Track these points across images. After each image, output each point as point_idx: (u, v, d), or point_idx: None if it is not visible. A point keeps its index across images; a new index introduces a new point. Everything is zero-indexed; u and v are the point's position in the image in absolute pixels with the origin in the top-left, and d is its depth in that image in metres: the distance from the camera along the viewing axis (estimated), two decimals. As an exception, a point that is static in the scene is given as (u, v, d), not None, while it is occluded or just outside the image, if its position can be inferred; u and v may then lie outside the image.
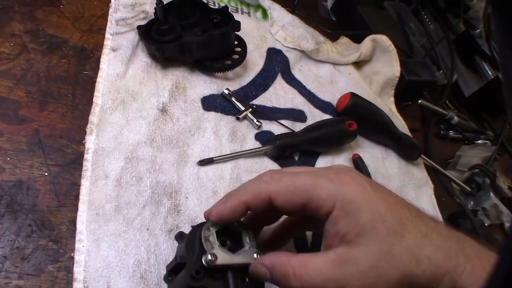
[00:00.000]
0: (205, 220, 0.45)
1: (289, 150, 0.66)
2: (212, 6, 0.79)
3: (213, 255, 0.41)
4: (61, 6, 0.65)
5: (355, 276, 0.37)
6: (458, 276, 0.37)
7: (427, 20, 1.13)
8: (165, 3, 0.66)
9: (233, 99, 0.67)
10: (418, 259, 0.37)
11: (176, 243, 0.51)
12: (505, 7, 0.19)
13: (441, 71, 1.00)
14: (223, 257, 0.42)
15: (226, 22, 0.66)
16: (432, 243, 0.39)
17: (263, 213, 0.45)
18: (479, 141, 0.98)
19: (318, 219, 0.41)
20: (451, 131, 0.96)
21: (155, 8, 0.64)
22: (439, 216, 0.76)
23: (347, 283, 0.37)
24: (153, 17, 0.67)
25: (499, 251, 0.21)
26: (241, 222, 0.47)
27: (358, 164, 0.72)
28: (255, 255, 0.43)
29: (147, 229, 0.51)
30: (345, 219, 0.39)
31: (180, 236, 0.52)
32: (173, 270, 0.47)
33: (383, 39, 0.85)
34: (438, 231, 0.40)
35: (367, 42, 0.86)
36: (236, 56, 0.69)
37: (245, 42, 0.70)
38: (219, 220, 0.43)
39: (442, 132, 0.95)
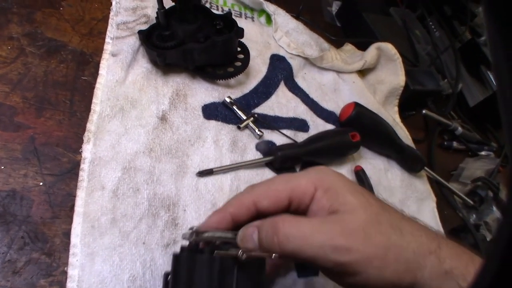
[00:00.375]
0: None
1: (291, 161, 0.65)
2: (215, 11, 0.78)
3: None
4: (61, 8, 0.64)
5: (345, 232, 0.37)
6: (443, 257, 0.37)
7: (433, 27, 1.12)
8: (167, 7, 0.64)
9: (234, 107, 0.66)
10: (402, 232, 0.38)
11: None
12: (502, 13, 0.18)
13: (446, 80, 0.99)
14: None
15: (229, 28, 0.65)
16: (411, 224, 0.40)
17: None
18: (483, 152, 0.96)
19: (301, 211, 0.42)
20: (454, 142, 0.94)
21: (156, 13, 0.63)
22: (441, 230, 0.75)
23: (335, 237, 0.36)
24: (154, 21, 0.66)
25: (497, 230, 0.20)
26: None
27: (361, 176, 0.70)
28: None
29: (143, 243, 0.50)
30: (328, 195, 0.40)
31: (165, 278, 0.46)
32: None
33: (388, 47, 0.84)
34: (414, 219, 0.42)
35: (372, 50, 0.85)
36: (238, 63, 0.67)
37: (248, 49, 0.69)
38: None
39: (445, 143, 0.94)
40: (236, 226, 0.42)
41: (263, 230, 0.39)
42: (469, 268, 0.37)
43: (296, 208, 0.42)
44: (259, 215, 0.42)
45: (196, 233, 0.41)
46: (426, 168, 0.79)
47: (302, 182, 0.41)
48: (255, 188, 0.43)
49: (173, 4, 0.63)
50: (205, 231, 0.41)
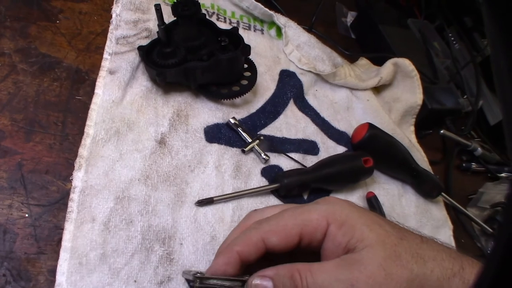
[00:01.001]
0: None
1: (298, 189, 0.60)
2: (222, 23, 0.74)
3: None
4: (58, 22, 0.60)
5: (364, 275, 0.35)
6: (466, 275, 0.37)
7: (452, 39, 1.07)
8: (171, 20, 0.60)
9: (239, 129, 0.62)
10: (423, 259, 0.37)
11: None
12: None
13: (465, 97, 0.94)
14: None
15: (236, 44, 0.61)
16: (432, 247, 0.39)
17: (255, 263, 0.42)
18: (503, 174, 0.91)
19: (313, 247, 0.40)
20: (473, 163, 0.89)
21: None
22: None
23: (355, 282, 0.35)
24: (156, 36, 0.62)
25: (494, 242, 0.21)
26: None
27: (373, 203, 0.66)
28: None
29: (135, 281, 0.46)
30: (342, 230, 0.39)
31: None
32: None
33: (406, 63, 0.79)
34: (434, 241, 0.41)
35: (388, 65, 0.80)
36: (245, 82, 0.63)
37: (255, 67, 0.64)
38: None
39: (464, 164, 0.89)
40: (245, 266, 0.41)
41: (279, 282, 0.37)
42: None
43: (308, 245, 0.40)
44: (268, 251, 0.40)
45: (200, 280, 0.39)
46: (443, 193, 0.74)
47: (314, 217, 0.40)
48: (263, 223, 0.41)
49: (175, 18, 0.59)
50: (211, 277, 0.39)
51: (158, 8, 0.54)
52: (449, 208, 0.78)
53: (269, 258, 0.41)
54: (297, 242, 0.40)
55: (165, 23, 0.57)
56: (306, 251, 0.42)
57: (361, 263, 0.36)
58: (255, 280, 0.38)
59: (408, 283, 0.36)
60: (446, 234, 0.73)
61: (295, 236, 0.40)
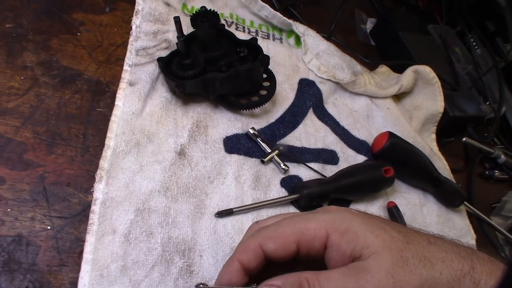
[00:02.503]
0: None
1: (318, 199, 0.60)
2: (241, 33, 0.74)
3: None
4: (79, 34, 0.61)
5: (371, 283, 0.35)
6: (477, 276, 0.37)
7: (474, 44, 1.05)
8: (189, 31, 0.61)
9: (258, 139, 0.62)
10: (432, 262, 0.36)
11: None
12: None
13: (487, 103, 0.92)
14: None
15: (254, 55, 0.61)
16: (441, 248, 0.38)
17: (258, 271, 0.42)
18: (528, 182, 0.90)
19: (313, 256, 0.40)
20: (496, 171, 0.88)
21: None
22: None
23: None
24: (175, 47, 0.62)
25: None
26: None
27: (393, 213, 0.65)
28: None
29: (155, 293, 0.46)
30: (345, 238, 0.38)
31: None
32: None
33: (427, 70, 0.78)
34: (442, 239, 0.40)
35: (409, 73, 0.79)
36: (264, 92, 0.63)
37: (274, 77, 0.64)
38: None
39: (487, 172, 0.88)
40: (250, 274, 0.41)
41: None
42: None
43: (307, 253, 0.40)
44: (267, 258, 0.40)
45: None
46: (465, 202, 0.73)
47: (311, 226, 0.39)
48: (261, 230, 0.41)
49: (194, 29, 0.59)
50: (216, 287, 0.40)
51: (177, 20, 0.54)
52: (472, 217, 0.77)
53: (276, 267, 0.41)
54: (294, 250, 0.40)
55: (184, 35, 0.57)
56: (311, 260, 0.41)
57: (368, 271, 0.36)
58: None
59: None
60: (468, 244, 0.72)
61: (292, 243, 0.39)
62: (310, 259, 0.41)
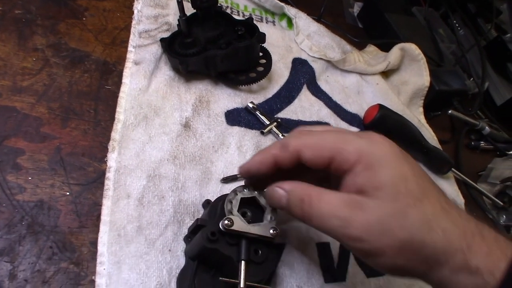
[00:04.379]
0: None
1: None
2: (236, 16, 0.77)
3: (230, 220, 0.43)
4: (84, 19, 0.64)
5: (359, 222, 0.36)
6: (472, 255, 0.35)
7: (457, 25, 1.10)
8: (188, 14, 0.64)
9: (257, 112, 0.66)
10: (431, 228, 0.36)
11: None
12: None
13: (471, 79, 0.97)
14: (240, 224, 0.44)
15: (251, 33, 0.65)
16: (450, 218, 0.37)
17: (289, 169, 0.44)
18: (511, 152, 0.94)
19: (339, 176, 0.41)
20: (482, 142, 0.92)
21: (178, 20, 0.63)
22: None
23: (349, 226, 0.37)
24: (176, 29, 0.66)
25: None
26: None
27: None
28: (271, 231, 0.45)
29: (169, 250, 0.49)
30: (366, 173, 0.38)
31: (207, 204, 0.54)
32: (193, 232, 0.49)
33: (412, 47, 0.83)
34: (458, 210, 0.38)
35: (396, 51, 0.83)
36: (260, 68, 0.67)
37: (270, 54, 0.68)
38: (247, 172, 0.46)
39: (473, 143, 0.92)
40: (277, 170, 0.44)
41: (291, 201, 0.41)
42: (500, 263, 0.35)
43: (335, 170, 0.40)
44: (300, 162, 0.42)
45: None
46: (453, 169, 0.77)
47: (350, 149, 0.39)
48: (303, 135, 0.43)
49: (194, 11, 0.63)
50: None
51: (179, 1, 0.58)
52: (460, 183, 0.81)
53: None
54: (326, 163, 0.41)
55: (186, 14, 0.61)
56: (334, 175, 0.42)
57: (363, 209, 0.36)
58: (274, 188, 0.43)
59: (401, 243, 0.35)
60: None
61: (326, 159, 0.40)
62: (333, 172, 0.42)
